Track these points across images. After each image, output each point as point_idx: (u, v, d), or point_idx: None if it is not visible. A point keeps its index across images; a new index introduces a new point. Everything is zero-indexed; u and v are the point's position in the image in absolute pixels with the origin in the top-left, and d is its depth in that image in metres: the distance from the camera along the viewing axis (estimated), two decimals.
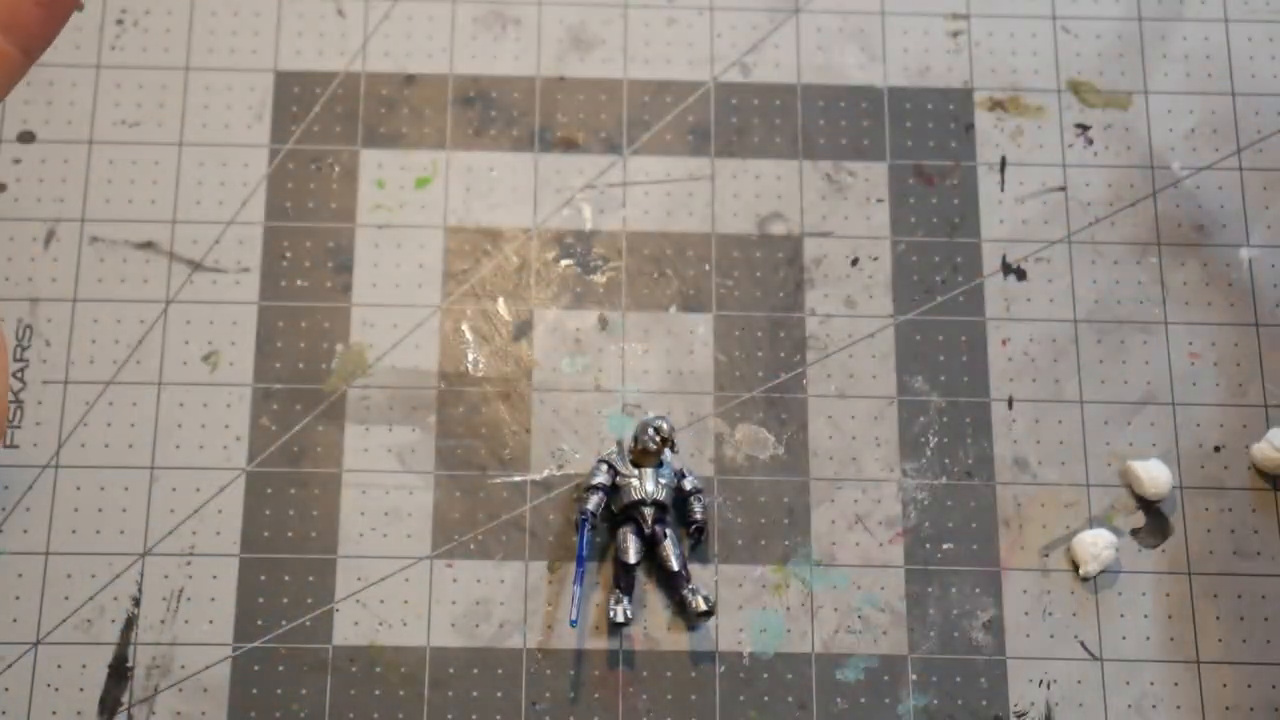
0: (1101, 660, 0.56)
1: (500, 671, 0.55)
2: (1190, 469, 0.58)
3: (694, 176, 0.61)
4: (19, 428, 0.57)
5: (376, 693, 0.55)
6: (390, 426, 0.58)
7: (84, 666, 0.55)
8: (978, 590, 0.57)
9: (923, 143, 0.62)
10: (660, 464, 0.56)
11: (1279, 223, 0.61)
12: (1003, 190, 0.61)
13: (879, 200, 0.61)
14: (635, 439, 0.56)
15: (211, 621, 0.55)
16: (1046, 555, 0.57)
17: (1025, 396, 0.59)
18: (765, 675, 0.55)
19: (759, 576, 0.57)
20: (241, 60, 0.62)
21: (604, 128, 0.62)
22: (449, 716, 0.55)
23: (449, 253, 0.60)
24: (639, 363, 0.59)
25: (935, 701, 0.55)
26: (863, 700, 0.55)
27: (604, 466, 0.56)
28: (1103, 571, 0.57)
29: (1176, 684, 0.56)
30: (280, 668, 0.55)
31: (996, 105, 0.62)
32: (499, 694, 0.55)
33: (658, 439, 0.55)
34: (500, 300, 0.59)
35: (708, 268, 0.60)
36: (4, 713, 0.54)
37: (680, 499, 0.56)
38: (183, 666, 0.55)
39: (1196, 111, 0.63)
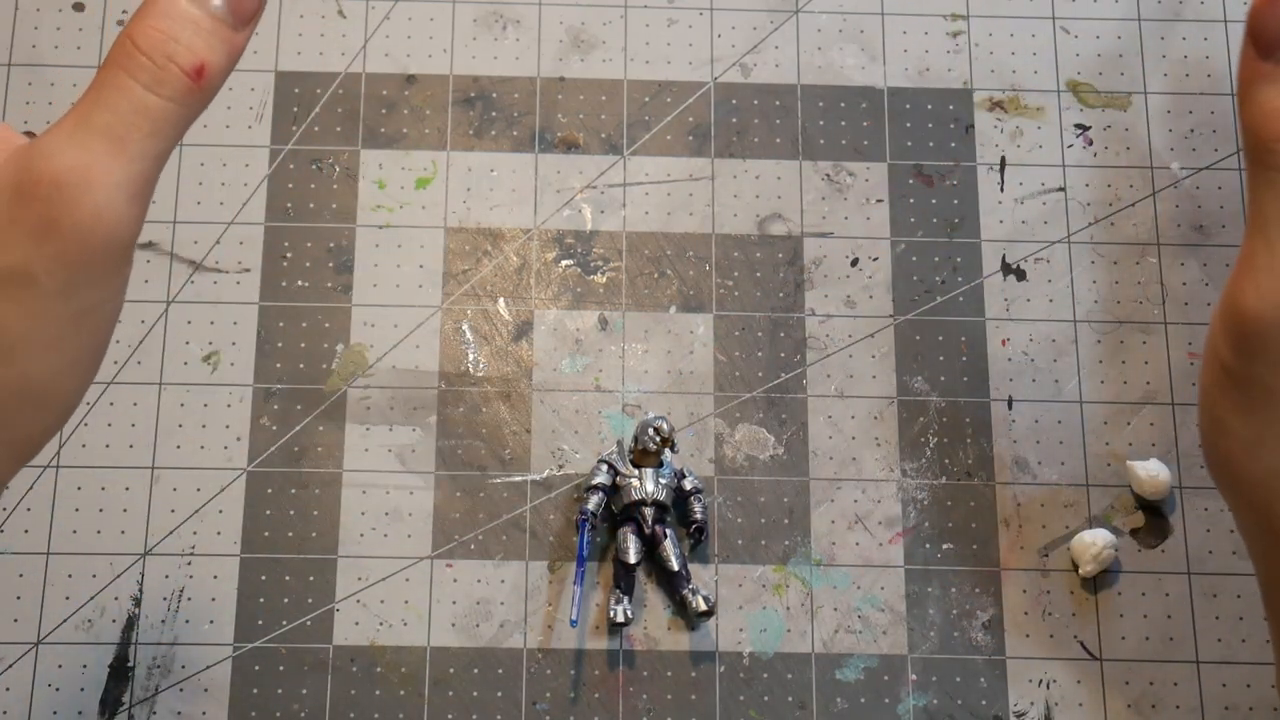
0: (1101, 660, 0.56)
1: (500, 671, 0.55)
2: (1190, 469, 0.58)
3: (694, 176, 0.61)
4: None
5: (377, 693, 0.55)
6: (391, 426, 0.58)
7: (85, 666, 0.55)
8: (977, 590, 0.57)
9: (922, 143, 0.62)
10: (660, 464, 0.56)
11: None
12: (1002, 190, 0.61)
13: (879, 200, 0.61)
14: (635, 439, 0.56)
15: (212, 621, 0.55)
16: (1046, 555, 0.57)
17: (1025, 396, 0.59)
18: (765, 675, 0.55)
19: (759, 576, 0.57)
20: (242, 61, 0.61)
21: (604, 128, 0.62)
22: (449, 716, 0.55)
23: (449, 253, 0.60)
24: (639, 363, 0.59)
25: (935, 701, 0.55)
26: (863, 700, 0.55)
27: (604, 466, 0.56)
28: (1102, 571, 0.57)
29: (1176, 684, 0.56)
30: (280, 668, 0.55)
31: (996, 105, 0.62)
32: (499, 694, 0.55)
33: (658, 439, 0.55)
34: (500, 300, 0.60)
35: (708, 268, 0.60)
36: (5, 713, 0.54)
37: (680, 499, 0.56)
38: (183, 666, 0.55)
39: (1196, 112, 0.63)
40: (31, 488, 0.56)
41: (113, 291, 0.39)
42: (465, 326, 0.59)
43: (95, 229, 0.37)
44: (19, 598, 0.55)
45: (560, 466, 0.58)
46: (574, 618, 0.54)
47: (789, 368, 0.59)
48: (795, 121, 0.62)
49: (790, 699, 0.55)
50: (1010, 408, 0.59)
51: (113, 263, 0.38)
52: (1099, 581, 0.57)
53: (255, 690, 0.55)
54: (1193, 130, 0.62)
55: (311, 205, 0.60)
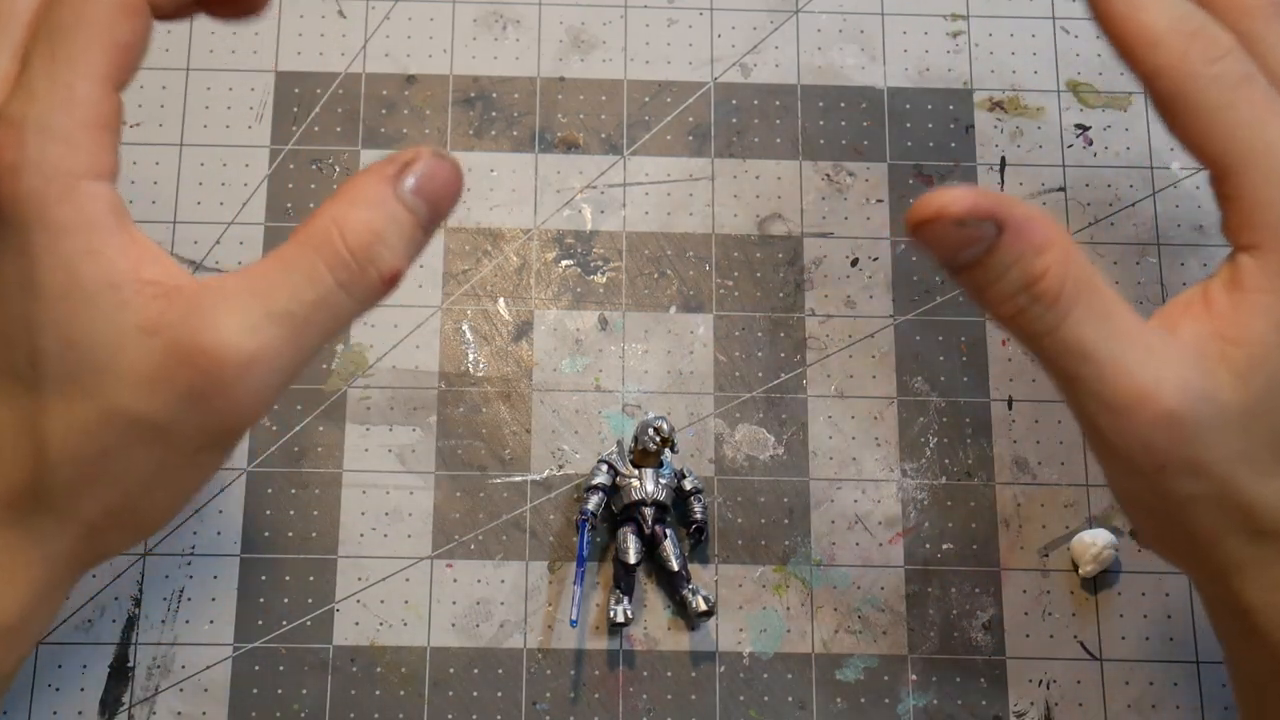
0: (1101, 660, 0.56)
1: (500, 671, 0.55)
2: None
3: (694, 176, 0.61)
4: None
5: (376, 693, 0.55)
6: (391, 426, 0.58)
7: (85, 666, 0.55)
8: (977, 590, 0.57)
9: (922, 143, 0.62)
10: (660, 464, 0.56)
11: None
12: (1002, 190, 0.61)
13: (879, 200, 0.61)
14: (635, 439, 0.56)
15: (212, 621, 0.55)
16: (1046, 555, 0.57)
17: (1025, 396, 0.59)
18: (765, 675, 0.55)
19: (759, 576, 0.57)
20: (242, 61, 0.62)
21: (604, 128, 0.62)
22: (449, 716, 0.55)
23: (449, 253, 0.60)
24: (639, 363, 0.59)
25: (935, 701, 0.55)
26: (863, 700, 0.55)
27: (604, 467, 0.56)
28: (1102, 571, 0.57)
29: (1176, 684, 0.56)
30: (280, 668, 0.55)
31: (996, 105, 0.62)
32: (499, 694, 0.55)
33: (658, 439, 0.55)
34: (500, 300, 0.60)
35: (708, 268, 0.60)
36: (5, 713, 0.54)
37: (680, 499, 0.56)
38: (183, 666, 0.55)
39: None
40: None
41: (231, 451, 0.39)
42: (465, 326, 0.59)
43: (242, 412, 0.37)
44: None
45: (560, 466, 0.58)
46: (574, 618, 0.54)
47: (789, 368, 0.59)
48: (795, 121, 0.62)
49: (790, 699, 0.55)
50: (1010, 408, 0.59)
51: (243, 434, 0.39)
52: (1099, 581, 0.57)
53: (255, 690, 0.55)
54: None
55: (311, 205, 0.60)
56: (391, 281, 0.37)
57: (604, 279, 0.60)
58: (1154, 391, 0.37)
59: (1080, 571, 0.56)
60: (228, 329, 0.36)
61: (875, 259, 0.60)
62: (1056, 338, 0.38)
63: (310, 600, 0.56)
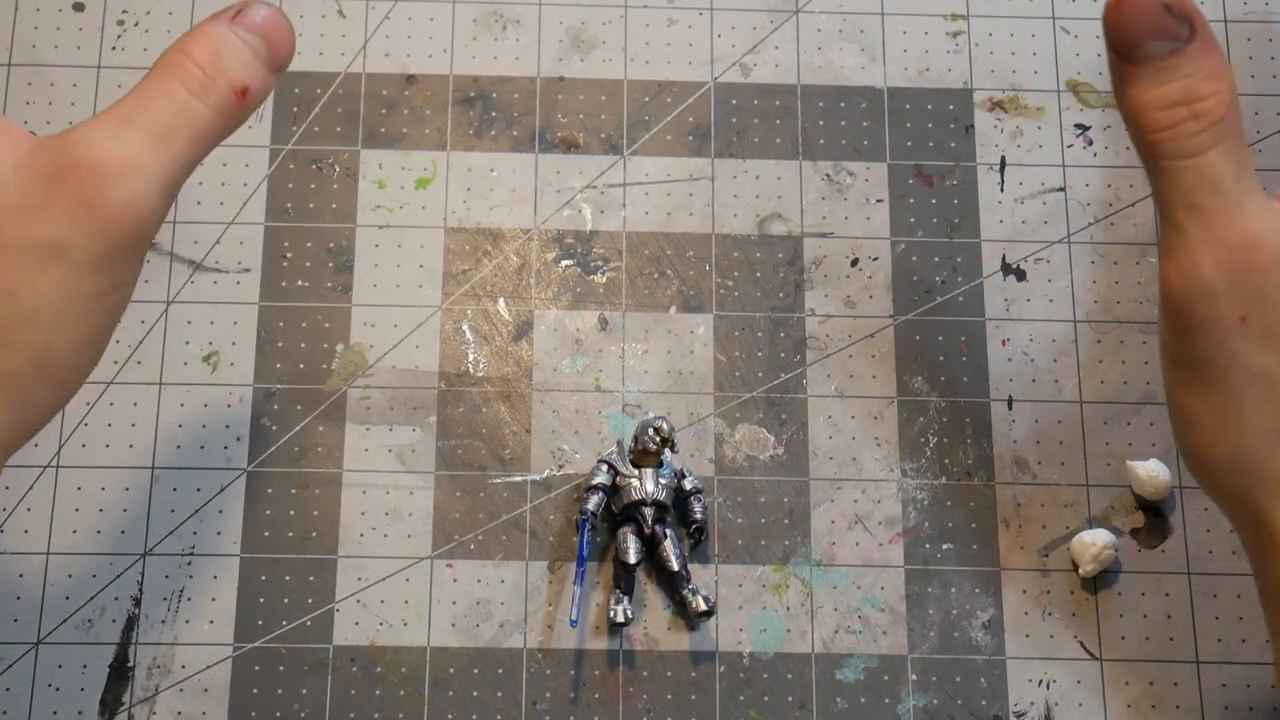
0: (1101, 660, 0.56)
1: (500, 671, 0.55)
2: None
3: (694, 177, 0.61)
4: None
5: (376, 693, 0.55)
6: (391, 426, 0.58)
7: (85, 666, 0.55)
8: (977, 590, 0.57)
9: (922, 143, 0.62)
10: (660, 464, 0.56)
11: None
12: (1002, 190, 0.61)
13: (879, 200, 0.61)
14: (635, 439, 0.56)
15: (212, 621, 0.55)
16: (1046, 555, 0.57)
17: (1025, 396, 0.59)
18: (765, 675, 0.55)
19: (759, 576, 0.57)
20: None
21: (604, 128, 0.62)
22: (449, 716, 0.55)
23: (449, 253, 0.60)
24: (639, 363, 0.59)
25: (935, 701, 0.55)
26: (863, 700, 0.55)
27: (604, 466, 0.56)
28: (1102, 571, 0.57)
29: (1176, 684, 0.56)
30: (280, 668, 0.55)
31: (996, 105, 0.62)
32: (499, 694, 0.55)
33: (658, 439, 0.55)
34: (500, 300, 0.60)
35: (708, 268, 0.60)
36: (5, 713, 0.54)
37: (680, 499, 0.56)
38: (183, 666, 0.55)
39: None
40: (31, 488, 0.56)
41: (130, 277, 0.41)
42: (465, 326, 0.59)
43: (128, 213, 0.40)
44: (19, 598, 0.55)
45: (560, 466, 0.58)
46: (574, 618, 0.54)
47: (789, 368, 0.59)
48: (795, 121, 0.62)
49: (790, 699, 0.55)
50: (1010, 408, 0.59)
51: (135, 249, 0.41)
52: (1099, 581, 0.57)
53: (255, 690, 0.55)
54: None
55: (311, 205, 0.60)
56: (243, 95, 0.41)
57: (604, 279, 0.60)
58: (1263, 241, 0.41)
59: (1080, 571, 0.56)
60: (98, 142, 0.39)
61: (875, 259, 0.60)
62: (1196, 163, 0.41)
63: (310, 600, 0.56)
